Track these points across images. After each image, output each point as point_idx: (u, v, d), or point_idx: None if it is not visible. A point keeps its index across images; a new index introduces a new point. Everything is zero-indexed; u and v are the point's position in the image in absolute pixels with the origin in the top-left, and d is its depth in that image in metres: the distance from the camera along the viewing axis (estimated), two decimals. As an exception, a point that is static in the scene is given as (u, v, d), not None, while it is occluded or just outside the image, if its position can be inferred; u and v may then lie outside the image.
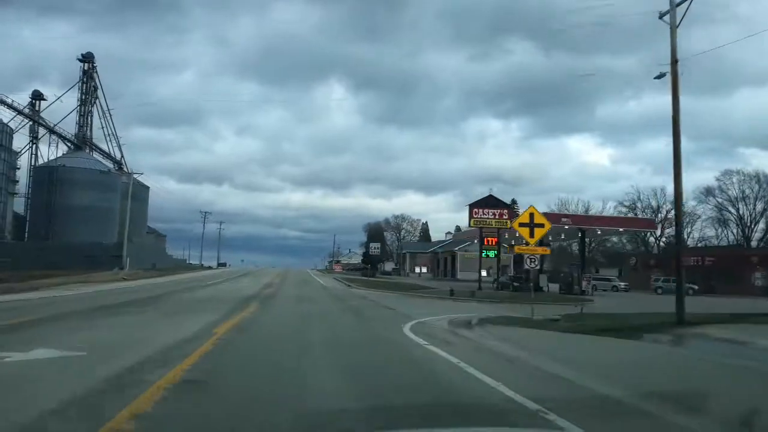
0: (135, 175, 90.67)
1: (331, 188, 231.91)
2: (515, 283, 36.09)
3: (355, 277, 53.02)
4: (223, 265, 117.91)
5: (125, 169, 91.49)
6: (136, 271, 48.40)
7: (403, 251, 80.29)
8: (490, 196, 36.84)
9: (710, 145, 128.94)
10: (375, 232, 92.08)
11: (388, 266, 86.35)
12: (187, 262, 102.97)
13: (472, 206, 35.58)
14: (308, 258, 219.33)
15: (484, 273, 61.23)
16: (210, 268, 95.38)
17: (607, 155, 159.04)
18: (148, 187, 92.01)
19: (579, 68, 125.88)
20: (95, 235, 74.38)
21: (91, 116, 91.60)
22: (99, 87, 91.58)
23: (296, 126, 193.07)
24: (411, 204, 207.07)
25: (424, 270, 72.88)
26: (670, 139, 15.22)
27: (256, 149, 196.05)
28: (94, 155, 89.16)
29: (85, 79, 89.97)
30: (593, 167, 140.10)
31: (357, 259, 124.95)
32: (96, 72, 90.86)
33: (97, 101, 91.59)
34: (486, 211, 34.94)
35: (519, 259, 36.56)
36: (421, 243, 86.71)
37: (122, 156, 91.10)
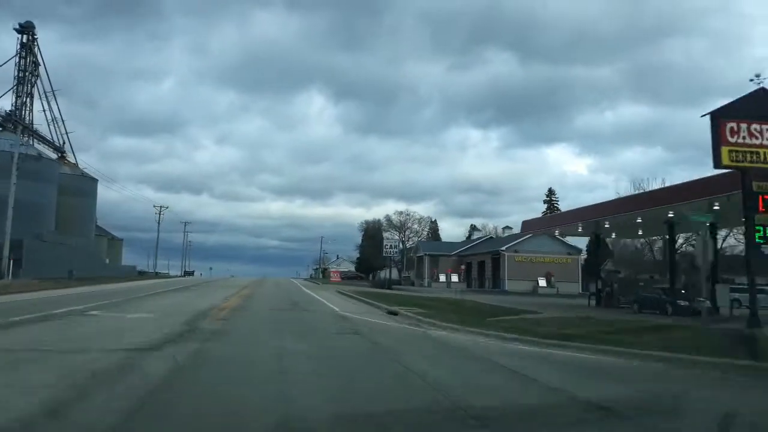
0: (81, 167, 75.08)
1: (311, 197, 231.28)
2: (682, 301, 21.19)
3: (365, 289, 37.74)
4: (190, 273, 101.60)
5: (70, 159, 75.36)
6: (30, 281, 32.46)
7: (421, 253, 64.34)
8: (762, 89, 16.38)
9: None
10: (374, 232, 76.66)
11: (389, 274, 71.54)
12: (140, 270, 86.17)
13: (716, 115, 15.65)
14: (289, 267, 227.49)
15: (542, 282, 46.46)
16: (167, 276, 78.91)
17: (584, 165, 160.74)
18: (95, 180, 75.53)
19: (556, 78, 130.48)
20: (17, 232, 57.11)
21: (31, 98, 75.22)
22: (41, 63, 75.06)
23: (276, 135, 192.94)
24: (391, 213, 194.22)
25: (454, 278, 54.74)
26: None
27: (235, 158, 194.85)
28: (33, 143, 72.43)
29: (23, 54, 73.61)
30: (571, 177, 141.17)
31: (347, 267, 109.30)
32: (37, 46, 74.47)
33: (38, 80, 75.16)
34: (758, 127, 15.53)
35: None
36: (446, 244, 71.42)
37: (66, 143, 74.56)
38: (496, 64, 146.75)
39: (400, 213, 72.73)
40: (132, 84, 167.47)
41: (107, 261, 78.42)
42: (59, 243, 50.91)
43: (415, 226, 71.20)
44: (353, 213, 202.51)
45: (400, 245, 69.22)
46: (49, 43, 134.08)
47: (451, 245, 68.92)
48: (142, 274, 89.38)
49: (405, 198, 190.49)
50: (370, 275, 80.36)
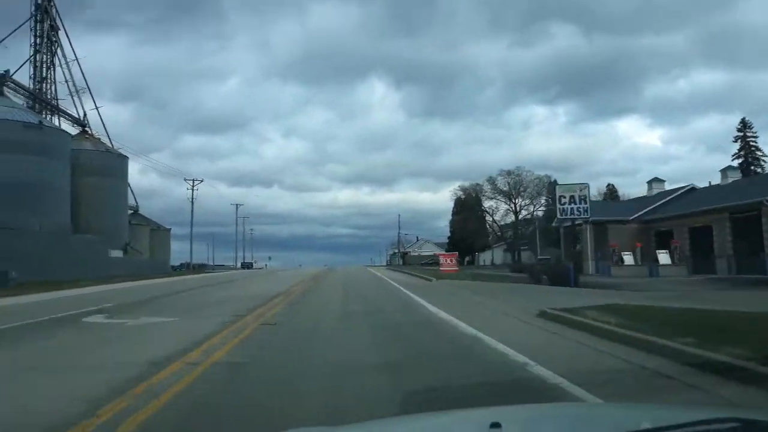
0: (104, 140, 62.05)
1: (377, 184, 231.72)
2: None
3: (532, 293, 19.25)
4: (248, 266, 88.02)
5: (92, 133, 62.46)
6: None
7: (583, 218, 38.10)
8: None
9: None
10: (473, 202, 58.74)
11: (497, 255, 53.62)
12: (199, 264, 73.13)
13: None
14: (360, 254, 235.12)
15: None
16: (221, 269, 64.84)
17: (657, 136, 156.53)
18: (124, 158, 62.33)
19: (623, 48, 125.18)
20: (22, 219, 44.21)
21: (53, 68, 62.90)
22: (61, 27, 62.50)
23: (340, 125, 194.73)
24: (495, 174, 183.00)
25: (663, 258, 30.70)
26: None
27: (302, 150, 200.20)
28: (54, 120, 60.18)
29: (38, 17, 61.22)
30: (643, 149, 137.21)
31: (430, 249, 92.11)
32: (55, 7, 61.83)
33: (59, 48, 62.64)
34: None
35: None
36: (604, 204, 46.42)
37: (87, 115, 61.65)
38: (560, 38, 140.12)
39: (509, 173, 54.41)
40: (199, 84, 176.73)
41: (145, 254, 65.33)
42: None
43: (530, 189, 52.91)
44: (420, 197, 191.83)
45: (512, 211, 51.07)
46: (118, 49, 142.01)
47: (621, 207, 42.69)
48: (198, 268, 77.22)
49: (471, 179, 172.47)
50: (465, 258, 62.76)
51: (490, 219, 56.42)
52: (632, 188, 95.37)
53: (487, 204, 55.37)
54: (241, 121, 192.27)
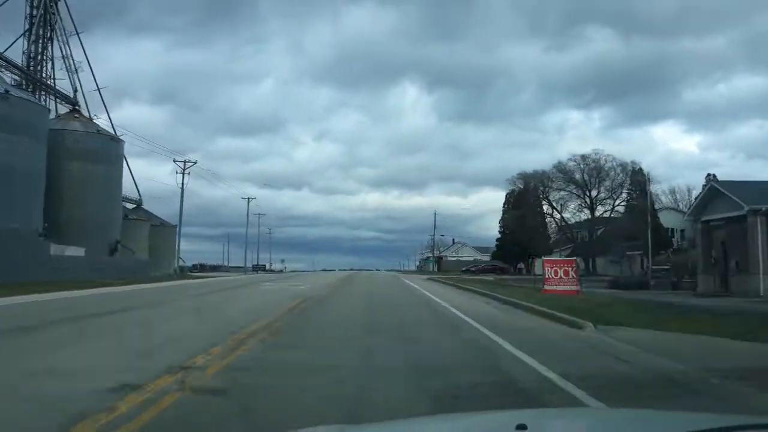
0: (96, 121, 53.26)
1: (407, 188, 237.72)
2: None
3: None
4: (261, 268, 78.72)
5: (86, 113, 54.01)
6: None
7: (739, 210, 25.33)
8: None
9: None
10: (531, 197, 47.98)
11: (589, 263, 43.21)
12: (200, 264, 63.99)
13: None
14: (387, 258, 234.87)
15: None
16: (228, 271, 55.53)
17: (695, 142, 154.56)
18: (119, 142, 53.57)
19: (662, 52, 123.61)
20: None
21: (51, 44, 54.84)
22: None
23: (372, 128, 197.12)
24: (488, 201, 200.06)
25: None
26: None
27: (334, 153, 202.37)
28: (55, 103, 52.34)
29: (33, -18, 53.29)
30: (680, 155, 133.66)
31: (468, 254, 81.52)
32: None
33: (59, 20, 54.49)
34: None
35: None
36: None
37: (79, 91, 53.08)
38: (597, 42, 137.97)
39: (583, 158, 43.55)
40: (234, 86, 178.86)
41: (141, 253, 56.45)
42: None
43: (613, 173, 41.94)
44: (449, 201, 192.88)
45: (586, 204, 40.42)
46: (156, 52, 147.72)
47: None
48: (196, 269, 68.28)
49: (503, 185, 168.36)
50: (515, 266, 52.15)
51: (558, 216, 45.78)
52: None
53: (553, 197, 44.90)
54: (274, 123, 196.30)
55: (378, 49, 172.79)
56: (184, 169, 58.11)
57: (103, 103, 54.41)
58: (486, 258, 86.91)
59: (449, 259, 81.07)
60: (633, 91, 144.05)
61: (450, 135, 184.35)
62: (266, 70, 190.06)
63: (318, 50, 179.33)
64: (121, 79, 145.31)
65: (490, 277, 37.61)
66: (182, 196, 60.03)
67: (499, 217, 56.26)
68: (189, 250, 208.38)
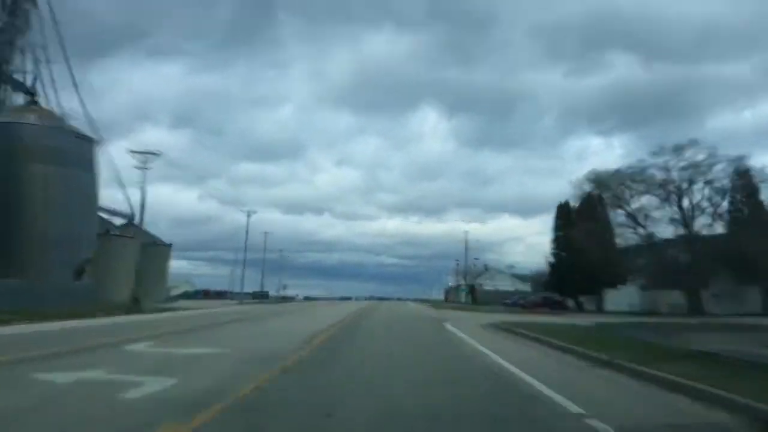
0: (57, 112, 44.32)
1: (426, 214, 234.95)
2: None
3: None
4: (263, 295, 68.82)
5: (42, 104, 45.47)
6: None
7: None
8: None
9: None
10: (593, 211, 37.32)
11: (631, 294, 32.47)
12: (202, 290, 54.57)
13: None
14: (406, 285, 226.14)
15: None
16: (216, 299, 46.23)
17: (719, 168, 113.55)
18: (91, 141, 44.82)
19: (684, 78, 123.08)
20: None
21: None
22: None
23: (392, 153, 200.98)
24: (507, 228, 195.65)
25: None
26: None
27: (354, 179, 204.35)
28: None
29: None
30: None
31: (505, 282, 70.87)
32: None
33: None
34: None
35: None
36: None
37: (39, 80, 44.52)
38: (617, 68, 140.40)
39: (676, 149, 32.65)
40: (255, 111, 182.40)
41: (122, 276, 47.21)
42: None
43: (716, 173, 31.61)
44: (467, 228, 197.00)
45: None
46: (176, 76, 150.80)
47: None
48: (199, 296, 58.60)
49: (521, 212, 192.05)
50: (575, 299, 41.54)
51: (642, 231, 34.70)
52: None
53: (634, 205, 34.38)
54: (295, 148, 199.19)
55: (397, 74, 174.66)
56: (145, 164, 48.47)
57: (83, 104, 45.28)
58: (524, 288, 75.95)
59: (485, 288, 70.24)
60: (655, 117, 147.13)
61: (469, 161, 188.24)
62: (286, 95, 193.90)
63: (338, 75, 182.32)
64: (141, 103, 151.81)
65: (560, 318, 27.04)
66: (144, 197, 50.21)
67: (552, 237, 45.71)
68: (209, 274, 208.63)
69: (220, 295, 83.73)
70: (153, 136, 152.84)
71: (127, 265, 52.46)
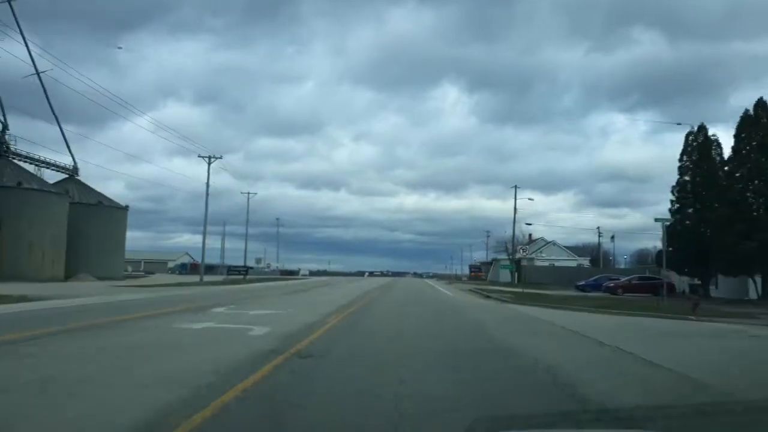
0: None
1: (444, 191, 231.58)
2: None
3: None
4: (243, 271, 54.71)
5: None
6: None
7: None
8: None
9: None
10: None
11: None
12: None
13: None
14: (421, 261, 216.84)
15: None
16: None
17: None
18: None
19: (709, 55, 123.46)
20: None
21: None
22: None
23: (411, 130, 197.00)
24: (528, 204, 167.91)
25: None
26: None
27: (372, 155, 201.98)
28: None
29: None
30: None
31: (560, 256, 56.16)
32: None
33: None
34: None
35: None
36: None
37: None
38: (642, 44, 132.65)
39: None
40: (276, 87, 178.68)
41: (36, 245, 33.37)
42: None
43: None
44: (487, 205, 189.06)
45: None
46: (198, 52, 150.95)
47: None
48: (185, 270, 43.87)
49: (542, 188, 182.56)
50: (703, 284, 26.72)
51: None
52: None
53: None
54: (313, 124, 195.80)
55: (419, 50, 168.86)
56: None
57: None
58: (582, 262, 61.08)
59: (537, 264, 54.97)
60: (679, 94, 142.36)
61: (490, 137, 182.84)
62: (307, 72, 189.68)
63: (358, 51, 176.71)
64: (164, 79, 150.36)
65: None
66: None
67: (675, 196, 30.13)
68: (230, 248, 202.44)
69: (210, 269, 70.80)
70: (176, 112, 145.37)
71: (55, 228, 38.51)
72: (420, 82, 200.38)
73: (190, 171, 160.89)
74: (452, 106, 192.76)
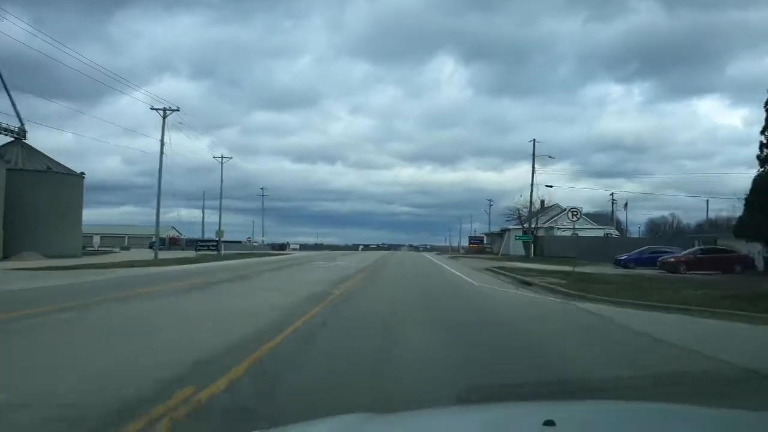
0: None
1: (440, 163, 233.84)
2: None
3: None
4: (212, 246, 49.06)
5: None
6: None
7: None
8: None
9: None
10: None
11: None
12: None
13: None
14: (419, 233, 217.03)
15: None
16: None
17: (739, 117, 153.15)
18: None
19: (707, 24, 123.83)
20: None
21: None
22: None
23: (407, 102, 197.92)
24: (525, 175, 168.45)
25: None
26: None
27: (368, 127, 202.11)
28: None
29: None
30: (723, 130, 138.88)
31: (585, 227, 50.20)
32: None
33: None
34: None
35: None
36: None
37: None
38: (639, 13, 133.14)
39: None
40: (272, 61, 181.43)
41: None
42: None
43: None
44: (483, 177, 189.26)
45: None
46: (195, 27, 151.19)
47: None
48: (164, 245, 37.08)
49: (539, 159, 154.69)
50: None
51: None
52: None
53: None
54: (310, 97, 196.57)
55: (415, 21, 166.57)
56: None
57: None
58: (603, 230, 55.19)
59: (560, 233, 48.52)
60: (676, 64, 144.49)
61: (487, 109, 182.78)
62: (303, 45, 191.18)
63: (354, 23, 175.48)
64: (160, 54, 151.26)
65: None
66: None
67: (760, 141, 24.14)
68: (226, 223, 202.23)
69: (192, 243, 65.03)
70: (171, 87, 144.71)
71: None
72: (416, 54, 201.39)
73: (189, 146, 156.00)
74: (448, 78, 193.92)
